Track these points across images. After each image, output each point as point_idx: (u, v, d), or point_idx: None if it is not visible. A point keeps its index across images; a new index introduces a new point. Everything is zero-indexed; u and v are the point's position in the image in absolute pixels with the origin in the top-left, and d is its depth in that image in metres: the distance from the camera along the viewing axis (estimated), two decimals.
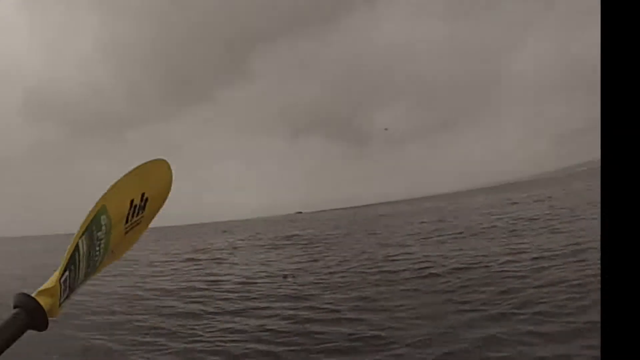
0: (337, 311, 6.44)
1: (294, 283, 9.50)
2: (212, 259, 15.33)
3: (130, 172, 1.30)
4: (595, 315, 4.98)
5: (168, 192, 1.44)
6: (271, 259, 14.31)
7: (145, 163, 1.36)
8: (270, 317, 6.75)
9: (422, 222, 21.77)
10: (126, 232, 1.35)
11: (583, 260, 7.79)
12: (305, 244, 17.78)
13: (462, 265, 9.10)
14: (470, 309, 6.10)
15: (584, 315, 5.12)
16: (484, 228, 15.29)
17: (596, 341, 4.25)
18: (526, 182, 68.69)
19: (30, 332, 0.73)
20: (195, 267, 13.79)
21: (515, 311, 5.70)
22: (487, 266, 8.39)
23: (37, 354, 5.47)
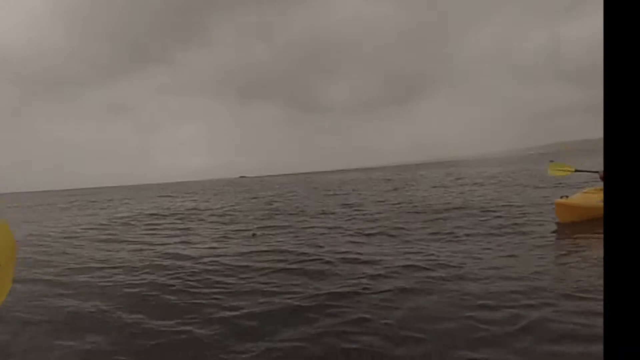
0: (330, 262, 6.81)
1: (268, 235, 9.86)
2: (175, 216, 15.42)
3: None
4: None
5: (13, 252, 1.40)
6: (236, 216, 14.54)
7: None
8: (262, 261, 7.08)
9: (377, 189, 22.52)
10: None
11: (534, 233, 8.46)
12: (268, 203, 18.11)
13: (426, 226, 9.78)
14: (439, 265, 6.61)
15: (543, 277, 5.76)
16: (438, 195, 16.14)
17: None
18: (473, 160, 71.29)
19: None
20: (161, 222, 13.88)
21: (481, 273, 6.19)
22: (451, 233, 8.93)
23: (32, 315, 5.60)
